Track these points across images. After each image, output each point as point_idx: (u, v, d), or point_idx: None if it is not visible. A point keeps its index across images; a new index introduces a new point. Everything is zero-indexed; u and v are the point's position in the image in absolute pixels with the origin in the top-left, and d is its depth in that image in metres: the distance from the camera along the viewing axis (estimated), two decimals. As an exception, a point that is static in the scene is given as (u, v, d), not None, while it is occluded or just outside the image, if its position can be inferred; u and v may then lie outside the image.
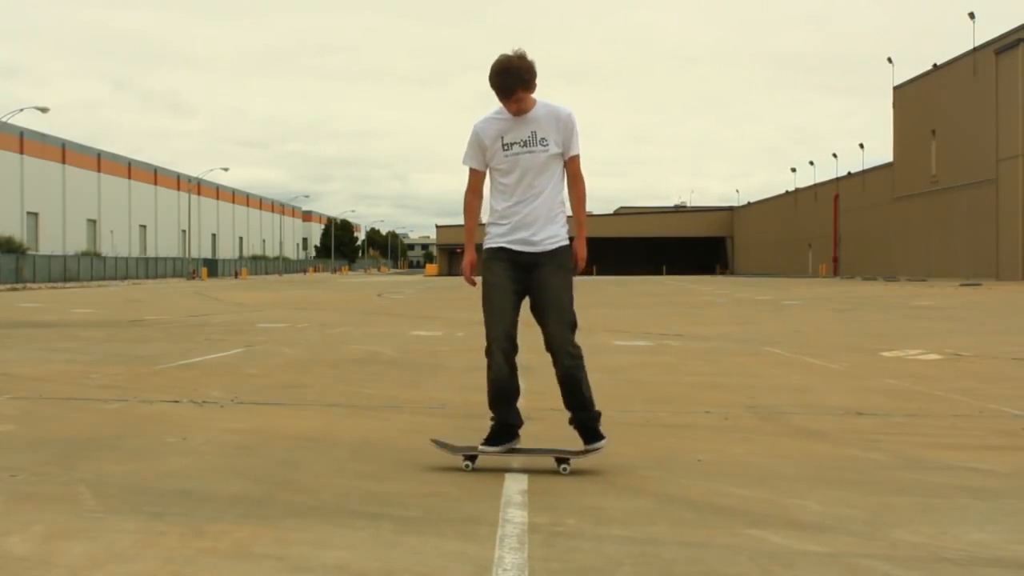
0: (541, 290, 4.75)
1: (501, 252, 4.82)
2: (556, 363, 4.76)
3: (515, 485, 4.47)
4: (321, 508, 4.07)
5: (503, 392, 4.79)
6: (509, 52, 4.69)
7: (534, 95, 4.77)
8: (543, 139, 4.74)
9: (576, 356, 4.74)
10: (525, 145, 4.74)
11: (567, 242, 4.85)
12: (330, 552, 3.43)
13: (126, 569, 3.24)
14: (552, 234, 4.78)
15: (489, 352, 4.78)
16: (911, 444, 5.57)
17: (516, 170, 4.76)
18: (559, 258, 4.78)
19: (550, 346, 4.75)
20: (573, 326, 4.77)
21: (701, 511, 4.04)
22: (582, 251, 4.91)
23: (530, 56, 4.70)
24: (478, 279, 4.95)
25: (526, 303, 4.85)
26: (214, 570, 3.24)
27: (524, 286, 4.80)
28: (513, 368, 4.79)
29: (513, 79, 4.64)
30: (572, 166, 4.86)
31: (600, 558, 3.37)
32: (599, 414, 4.86)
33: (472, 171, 4.89)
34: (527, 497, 4.24)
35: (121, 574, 3.19)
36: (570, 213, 4.94)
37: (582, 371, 4.76)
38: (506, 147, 4.76)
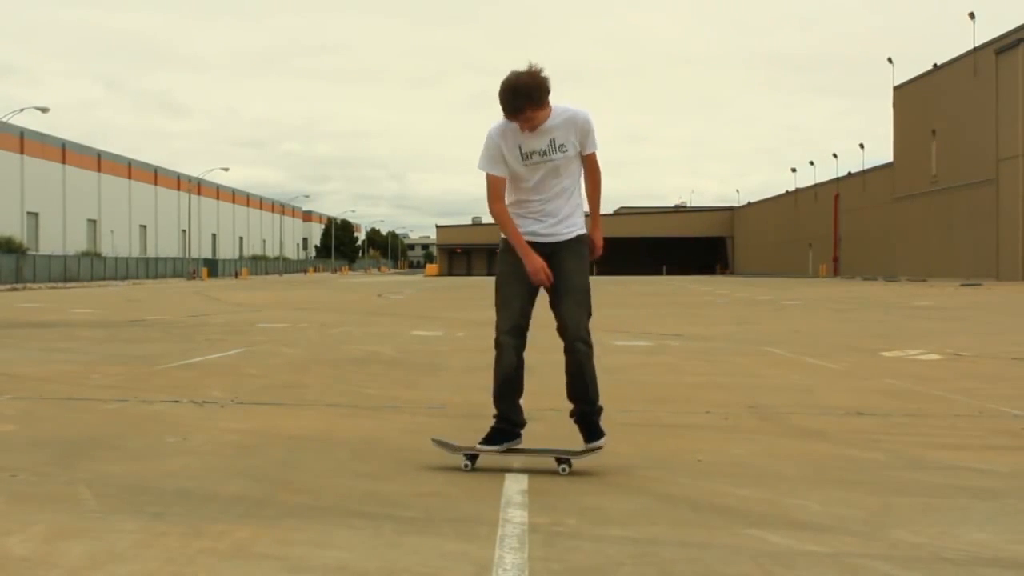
0: (558, 275, 4.75)
1: None
2: (567, 349, 4.74)
3: (515, 485, 4.47)
4: (321, 508, 4.07)
5: (508, 386, 4.79)
6: (520, 69, 4.58)
7: (551, 101, 4.69)
8: (562, 145, 4.70)
9: (587, 343, 4.74)
10: (544, 154, 4.70)
11: (584, 231, 4.87)
12: (330, 552, 3.43)
13: (126, 569, 3.24)
14: (571, 224, 4.81)
15: (498, 344, 4.79)
16: (911, 444, 5.57)
17: (536, 175, 4.75)
18: (576, 245, 4.81)
19: (563, 330, 4.73)
20: (588, 313, 4.78)
21: (701, 511, 4.04)
22: (598, 239, 4.94)
23: (543, 71, 4.58)
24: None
25: (543, 297, 4.86)
26: (214, 570, 3.24)
27: None
28: (520, 362, 4.80)
29: (521, 99, 4.54)
30: (589, 160, 4.86)
31: (600, 558, 3.37)
32: (601, 409, 4.85)
33: (492, 177, 4.75)
34: (527, 497, 4.24)
35: (121, 574, 3.19)
36: (587, 208, 4.95)
37: (591, 361, 4.77)
38: (525, 156, 4.72)
